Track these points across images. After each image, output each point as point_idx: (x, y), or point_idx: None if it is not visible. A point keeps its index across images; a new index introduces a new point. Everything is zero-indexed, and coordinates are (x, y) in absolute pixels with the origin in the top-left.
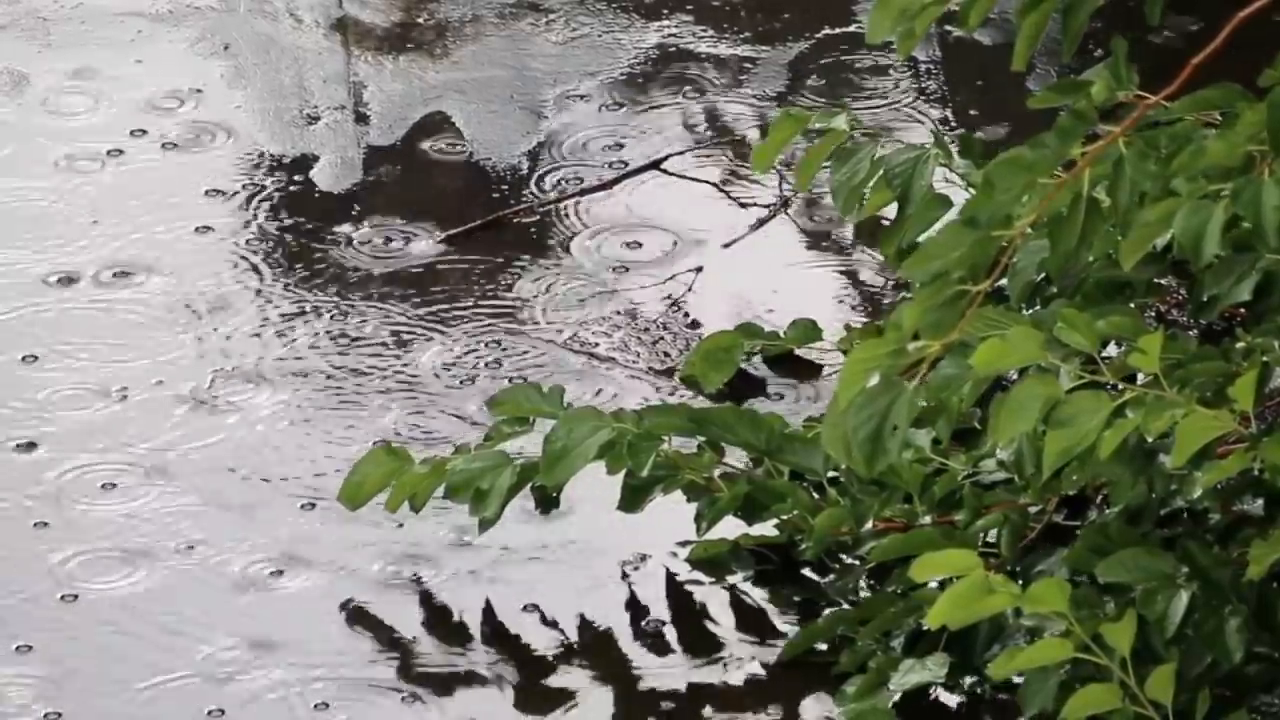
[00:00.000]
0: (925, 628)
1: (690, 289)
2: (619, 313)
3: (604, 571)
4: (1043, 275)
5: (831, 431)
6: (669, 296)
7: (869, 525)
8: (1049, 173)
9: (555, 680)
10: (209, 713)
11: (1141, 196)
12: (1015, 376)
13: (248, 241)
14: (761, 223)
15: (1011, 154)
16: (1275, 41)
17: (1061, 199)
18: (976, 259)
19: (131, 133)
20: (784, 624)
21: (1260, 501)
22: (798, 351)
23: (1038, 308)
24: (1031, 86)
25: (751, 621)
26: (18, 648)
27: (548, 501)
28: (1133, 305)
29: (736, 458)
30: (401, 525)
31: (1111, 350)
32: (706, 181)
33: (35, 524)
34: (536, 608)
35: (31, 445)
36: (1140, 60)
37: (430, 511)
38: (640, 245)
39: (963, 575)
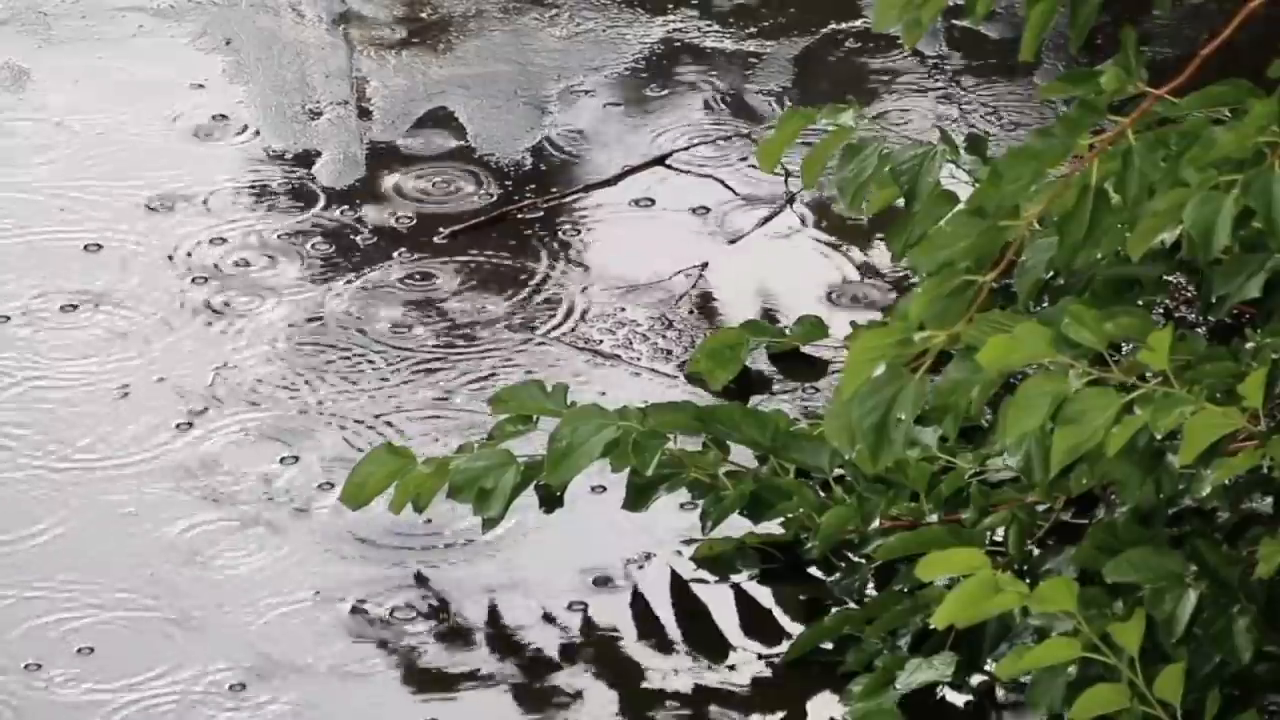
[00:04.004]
0: (932, 627)
1: (695, 285)
2: (623, 309)
3: (609, 570)
4: (1051, 274)
5: (835, 421)
6: (674, 293)
7: (875, 523)
8: (1057, 163)
9: (559, 679)
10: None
11: (1151, 190)
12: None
13: (249, 238)
14: (767, 219)
15: (1020, 144)
16: None
17: (1070, 191)
18: (983, 249)
19: (132, 130)
20: (790, 623)
21: (1270, 500)
22: (804, 349)
23: (1045, 306)
24: (1039, 82)
25: (757, 620)
26: None
27: (552, 500)
28: (1141, 303)
29: (742, 456)
30: (404, 521)
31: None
32: (711, 177)
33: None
34: (540, 606)
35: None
36: (1149, 53)
37: (432, 509)
38: (645, 242)
39: (970, 574)
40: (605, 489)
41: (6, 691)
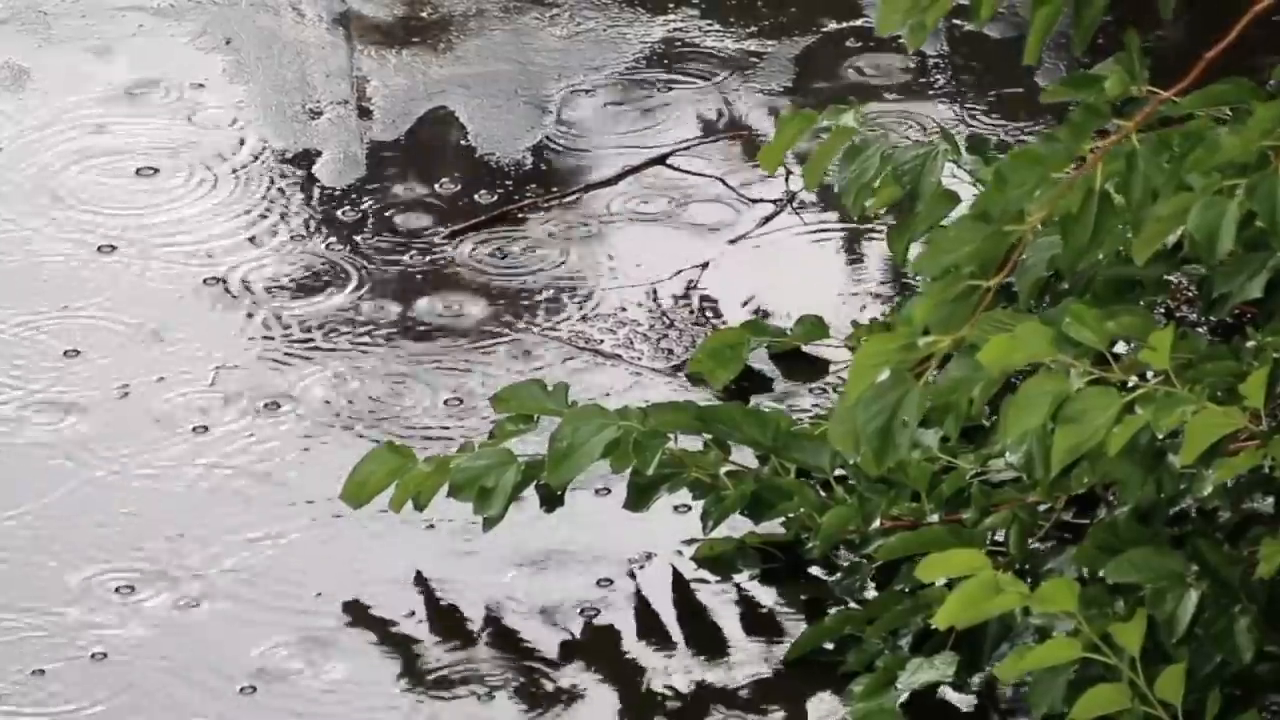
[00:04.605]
0: (933, 627)
1: (696, 285)
2: (624, 309)
3: (609, 570)
4: (1052, 272)
5: (839, 426)
6: (675, 292)
7: (876, 523)
8: (1061, 168)
9: (560, 679)
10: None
11: (1155, 194)
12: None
13: (250, 237)
14: (768, 218)
15: (1024, 148)
16: None
17: (1074, 195)
18: (988, 254)
19: (132, 128)
20: (790, 623)
21: (1271, 500)
22: (805, 348)
23: (1047, 305)
24: (1040, 81)
25: (758, 620)
26: None
27: (552, 499)
28: (1142, 303)
29: (743, 456)
30: (404, 522)
31: (1121, 348)
32: (712, 176)
33: None
34: (541, 606)
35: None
36: (1152, 55)
37: (433, 508)
38: (645, 241)
39: (971, 574)
40: (609, 491)
41: None
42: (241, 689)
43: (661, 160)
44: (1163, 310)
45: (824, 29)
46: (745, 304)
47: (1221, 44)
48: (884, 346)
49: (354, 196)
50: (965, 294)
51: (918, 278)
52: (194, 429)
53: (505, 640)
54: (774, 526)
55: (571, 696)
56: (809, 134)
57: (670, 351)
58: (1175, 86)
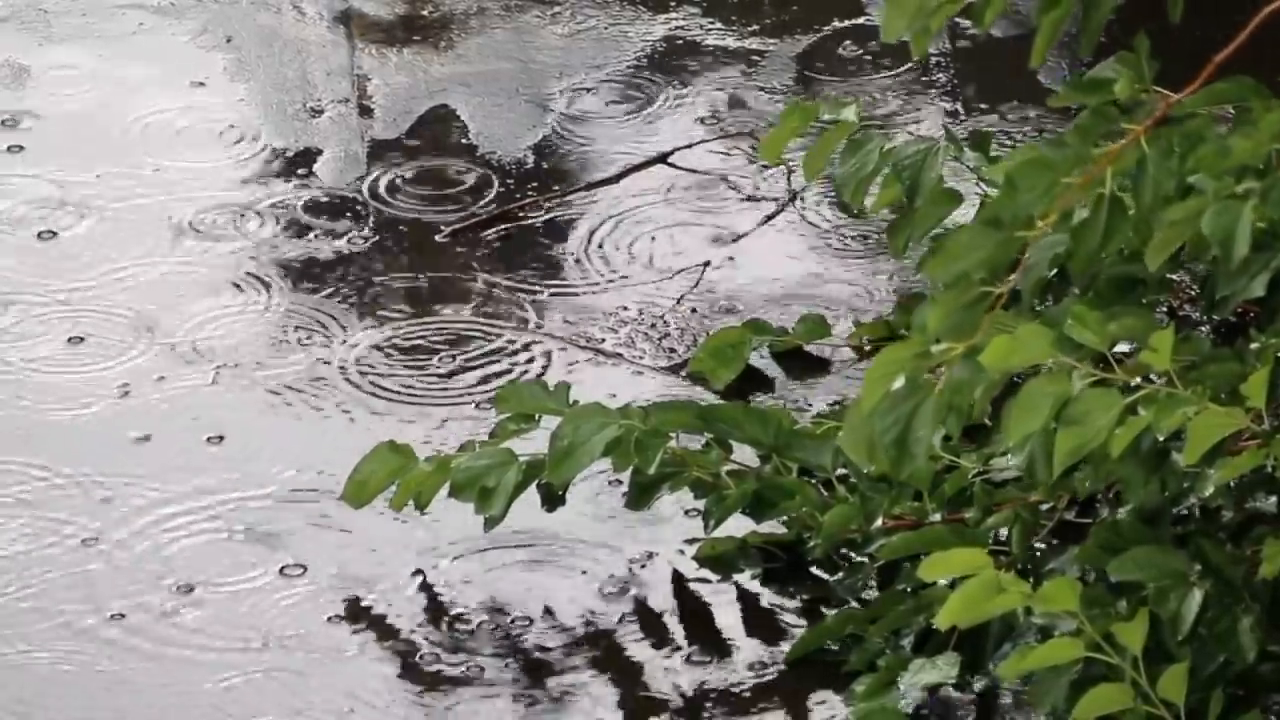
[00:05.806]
0: (935, 626)
1: (697, 284)
2: (625, 308)
3: (610, 569)
4: (1055, 271)
5: (853, 435)
6: (676, 291)
7: (878, 523)
8: (1071, 172)
9: (560, 679)
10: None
11: (1165, 199)
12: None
13: (251, 236)
14: (770, 217)
15: (1033, 154)
16: None
17: (1083, 198)
18: (999, 260)
19: (132, 128)
20: (792, 622)
21: (1273, 499)
22: (806, 347)
23: (1050, 304)
24: (1042, 79)
25: (759, 620)
26: None
27: (553, 499)
28: (1145, 302)
29: (744, 455)
30: (405, 520)
31: (1124, 347)
32: (714, 175)
33: None
34: (542, 605)
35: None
36: (1159, 57)
37: (434, 507)
38: (647, 240)
39: (973, 574)
40: (607, 487)
41: None
42: (247, 679)
43: (663, 159)
44: (1165, 310)
45: (826, 27)
46: (747, 302)
47: (1231, 46)
48: (898, 355)
49: (355, 195)
50: (977, 301)
51: (918, 276)
52: (195, 427)
53: (505, 640)
54: (775, 526)
55: (572, 696)
56: (810, 132)
57: (672, 351)
58: (1185, 90)
